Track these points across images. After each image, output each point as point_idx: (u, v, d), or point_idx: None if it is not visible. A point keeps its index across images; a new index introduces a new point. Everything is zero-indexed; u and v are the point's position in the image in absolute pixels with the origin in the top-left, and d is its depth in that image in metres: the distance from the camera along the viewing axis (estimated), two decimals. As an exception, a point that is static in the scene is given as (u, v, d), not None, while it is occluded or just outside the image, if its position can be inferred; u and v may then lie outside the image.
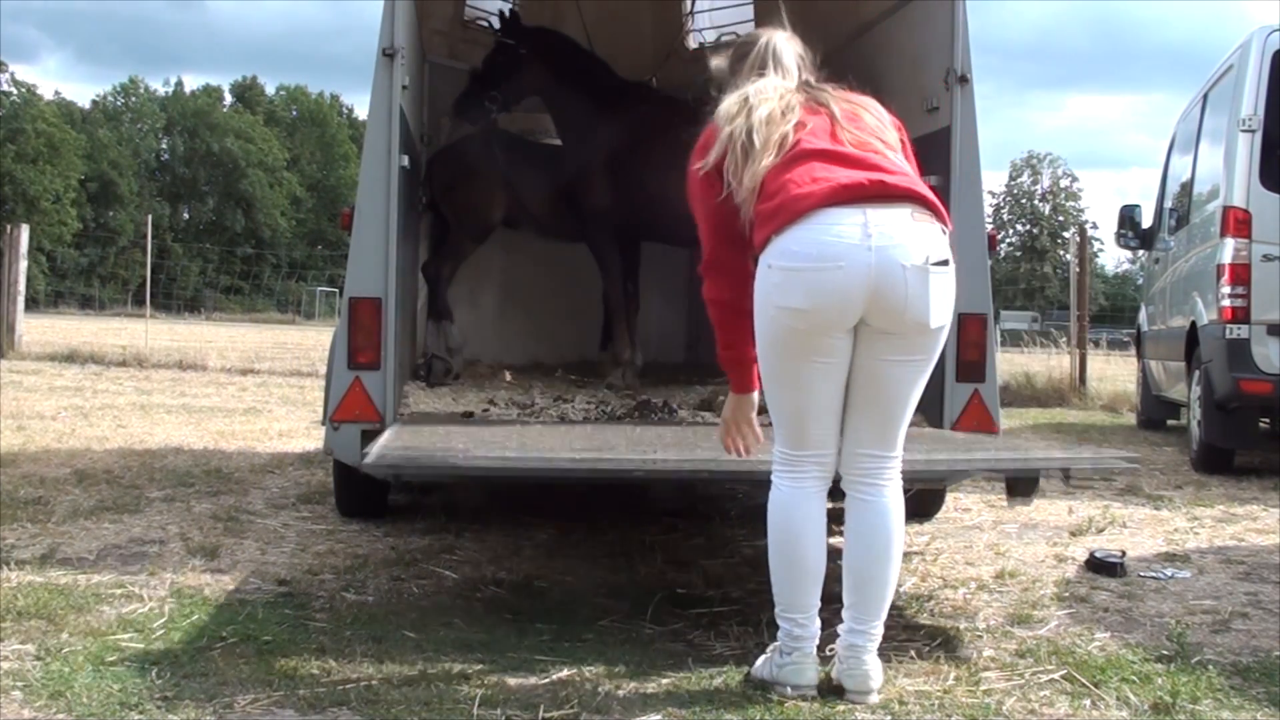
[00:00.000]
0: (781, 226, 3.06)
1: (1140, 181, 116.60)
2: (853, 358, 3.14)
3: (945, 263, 3.10)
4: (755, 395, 3.37)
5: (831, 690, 3.19)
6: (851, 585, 3.21)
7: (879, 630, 3.20)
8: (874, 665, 3.17)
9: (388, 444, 3.81)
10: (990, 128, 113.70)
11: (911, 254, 3.04)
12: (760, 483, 3.31)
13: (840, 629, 3.22)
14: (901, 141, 3.30)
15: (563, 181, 6.70)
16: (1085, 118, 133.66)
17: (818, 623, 3.22)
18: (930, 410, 5.37)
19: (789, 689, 3.16)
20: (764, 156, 3.13)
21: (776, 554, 3.22)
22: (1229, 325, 7.72)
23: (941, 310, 3.11)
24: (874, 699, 3.14)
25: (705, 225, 3.29)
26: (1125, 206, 10.96)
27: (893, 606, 3.33)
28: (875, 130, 3.24)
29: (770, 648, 3.29)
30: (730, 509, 6.01)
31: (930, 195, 3.13)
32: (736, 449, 3.45)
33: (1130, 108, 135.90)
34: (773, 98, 3.21)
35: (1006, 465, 3.91)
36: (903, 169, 3.18)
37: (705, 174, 3.24)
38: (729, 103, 3.24)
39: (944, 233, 3.14)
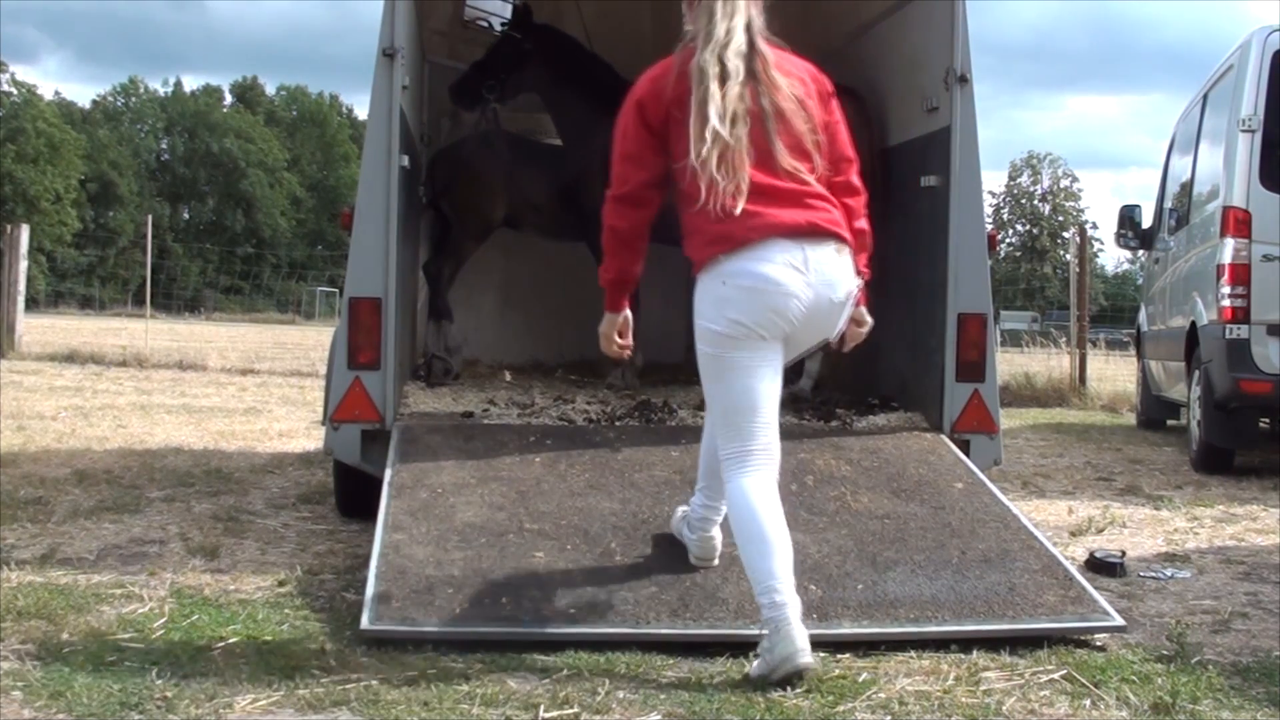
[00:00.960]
0: (731, 250, 3.44)
1: (1139, 181, 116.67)
2: None
3: (856, 291, 3.62)
4: (627, 313, 3.73)
5: (677, 546, 3.90)
6: (705, 473, 3.85)
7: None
8: (718, 537, 3.88)
9: (382, 609, 3.64)
10: (989, 128, 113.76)
11: (838, 291, 3.54)
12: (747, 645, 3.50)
13: (693, 504, 3.91)
14: (826, 124, 3.61)
15: (564, 181, 6.70)
16: (1084, 118, 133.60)
17: (796, 597, 3.37)
18: (930, 410, 5.38)
19: (786, 661, 3.25)
20: (717, 187, 3.41)
21: (744, 537, 3.47)
22: (1229, 325, 7.72)
23: (842, 325, 3.65)
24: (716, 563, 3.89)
25: (629, 158, 3.58)
26: (1125, 206, 10.96)
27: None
28: (802, 136, 3.51)
29: (760, 647, 3.36)
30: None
31: (846, 233, 3.56)
32: (619, 354, 3.80)
33: (1129, 108, 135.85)
34: (735, 90, 3.43)
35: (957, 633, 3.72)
36: (823, 199, 3.54)
37: (648, 122, 3.53)
38: (699, 67, 3.46)
39: (852, 256, 3.59)
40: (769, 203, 3.45)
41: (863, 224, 3.66)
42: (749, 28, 3.50)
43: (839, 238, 3.54)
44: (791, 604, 3.34)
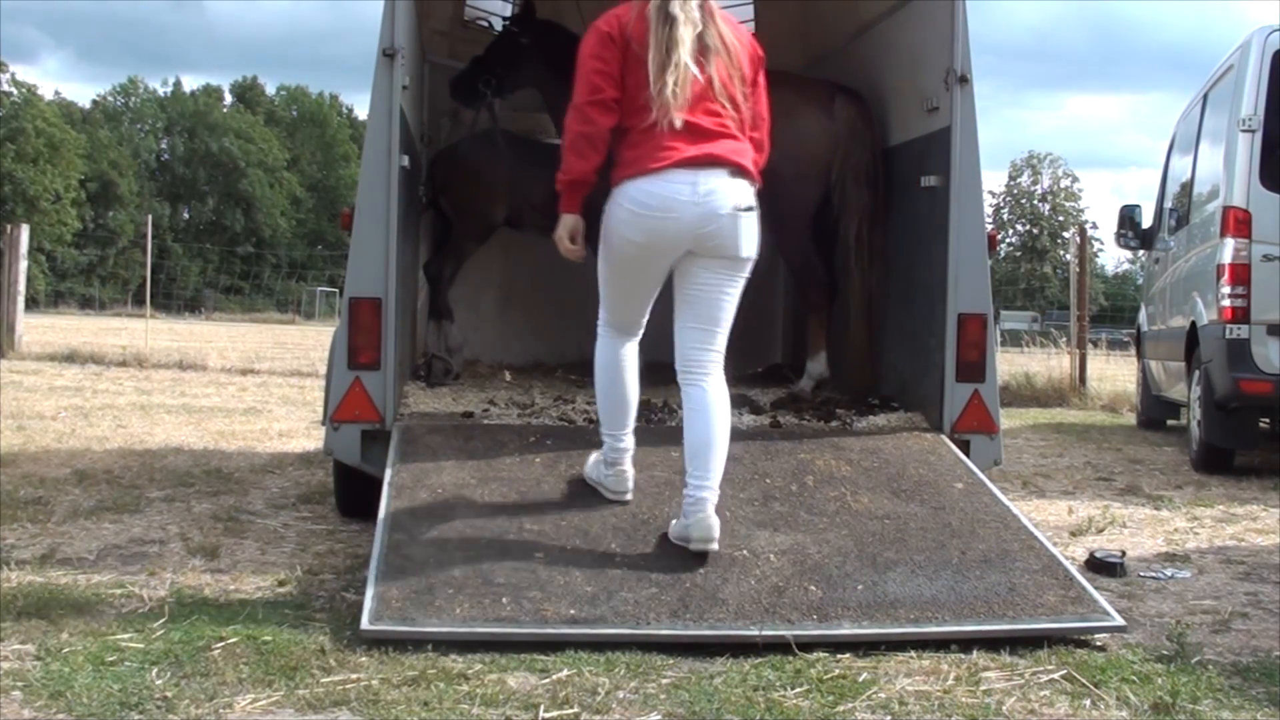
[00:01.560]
0: (634, 176, 4.04)
1: (1139, 181, 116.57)
2: (685, 282, 4.16)
3: (750, 208, 4.10)
4: (579, 217, 4.21)
5: (677, 546, 3.99)
6: (691, 454, 4.08)
7: (715, 487, 4.04)
8: (713, 518, 3.98)
9: (380, 609, 3.64)
10: (988, 128, 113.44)
11: (727, 203, 4.04)
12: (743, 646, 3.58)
13: (686, 490, 4.04)
14: (753, 83, 4.19)
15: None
16: (1083, 118, 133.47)
17: (632, 440, 4.32)
18: (930, 410, 5.38)
19: (610, 493, 4.29)
20: (670, 110, 3.99)
21: (602, 389, 4.32)
22: (1229, 325, 7.72)
23: (749, 244, 4.12)
24: (714, 547, 3.97)
25: (602, 72, 4.07)
26: (1125, 206, 10.95)
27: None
28: (731, 79, 4.09)
29: (596, 455, 4.37)
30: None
31: (745, 162, 4.10)
32: (575, 257, 4.27)
33: (1128, 108, 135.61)
34: (690, 28, 4.03)
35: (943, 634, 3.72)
36: (733, 138, 4.10)
37: (619, 47, 4.05)
38: (666, 12, 4.03)
39: (751, 186, 4.12)
40: (681, 138, 4.02)
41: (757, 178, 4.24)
42: None
43: (735, 165, 4.08)
44: (627, 448, 4.30)
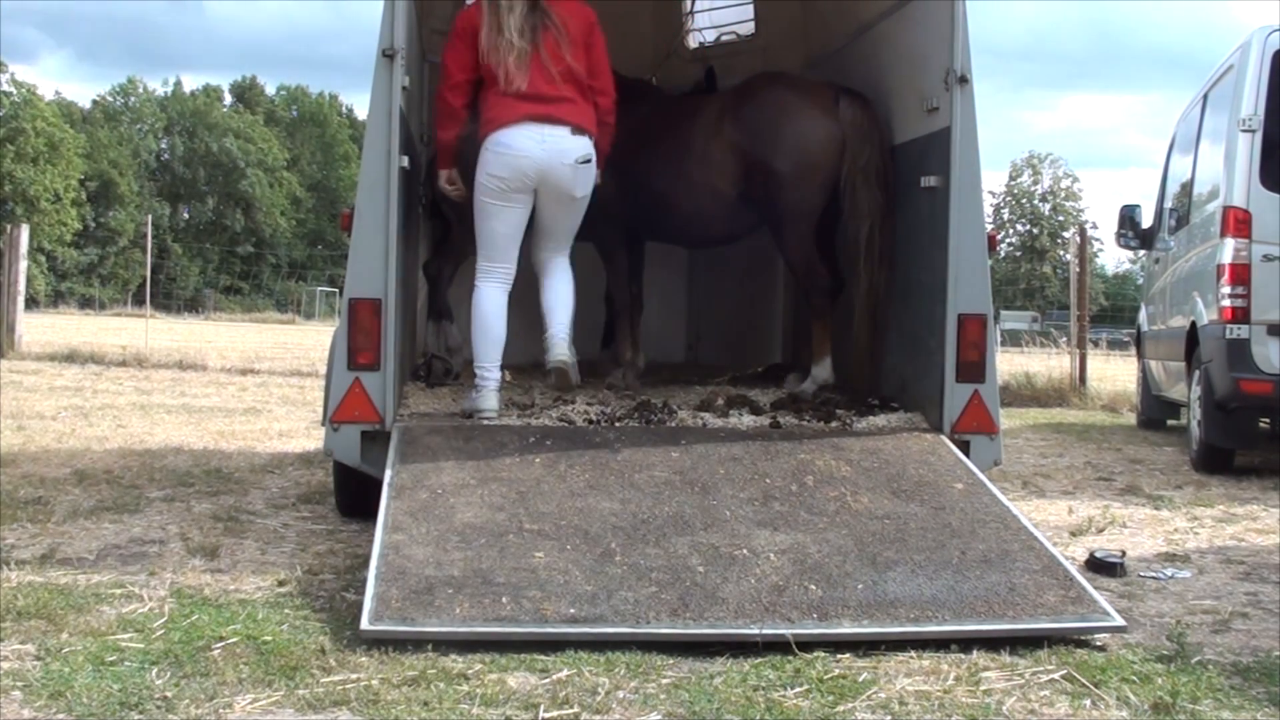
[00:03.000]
0: (495, 129, 5.21)
1: (1138, 181, 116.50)
2: (537, 217, 5.41)
3: (587, 160, 5.32)
4: (453, 169, 5.56)
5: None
6: (548, 311, 5.48)
7: (568, 327, 5.46)
8: (567, 347, 5.44)
9: (380, 610, 3.64)
10: (988, 128, 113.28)
11: (568, 155, 5.26)
12: (741, 644, 3.55)
13: (546, 335, 5.45)
14: (587, 44, 5.39)
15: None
16: (1081, 118, 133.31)
17: (498, 372, 5.33)
18: (930, 410, 5.38)
19: (481, 412, 5.21)
20: (511, 77, 5.21)
21: (476, 328, 5.35)
22: (1229, 325, 7.72)
23: (584, 186, 5.38)
24: (572, 373, 5.54)
25: (455, 61, 5.33)
26: (1125, 206, 10.95)
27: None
28: (557, 50, 5.25)
29: (471, 397, 5.31)
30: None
31: (584, 121, 5.31)
32: (458, 193, 5.57)
33: (1126, 108, 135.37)
34: (517, 10, 5.22)
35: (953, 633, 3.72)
36: (570, 101, 5.29)
37: (466, 39, 5.27)
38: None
39: (590, 141, 5.33)
40: (527, 100, 5.20)
41: (609, 118, 5.49)
42: None
43: (575, 124, 5.27)
44: (494, 379, 5.30)
